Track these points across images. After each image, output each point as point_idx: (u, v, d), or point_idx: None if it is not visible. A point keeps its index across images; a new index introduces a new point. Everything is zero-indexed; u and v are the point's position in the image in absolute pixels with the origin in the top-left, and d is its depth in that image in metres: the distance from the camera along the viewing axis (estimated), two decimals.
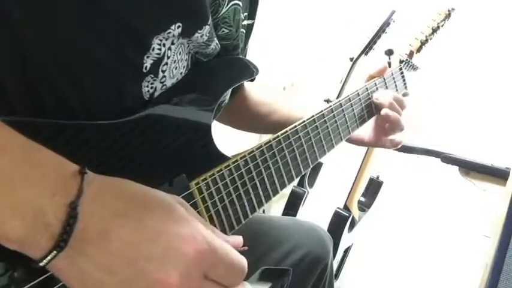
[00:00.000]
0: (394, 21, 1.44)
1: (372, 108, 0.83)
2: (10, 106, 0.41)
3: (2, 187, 0.30)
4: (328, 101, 0.77)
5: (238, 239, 0.43)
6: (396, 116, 0.81)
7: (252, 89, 0.85)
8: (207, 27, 0.50)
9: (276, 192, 0.60)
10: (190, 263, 0.34)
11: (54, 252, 0.32)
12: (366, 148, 1.50)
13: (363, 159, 1.54)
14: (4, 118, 0.35)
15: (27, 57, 0.40)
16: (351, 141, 0.85)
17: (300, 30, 2.01)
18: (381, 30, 1.45)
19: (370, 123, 0.85)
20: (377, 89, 0.85)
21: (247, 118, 0.85)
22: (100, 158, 0.43)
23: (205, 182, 0.50)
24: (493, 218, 0.96)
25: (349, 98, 0.77)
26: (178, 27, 0.46)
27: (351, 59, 1.52)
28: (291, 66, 1.93)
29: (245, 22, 0.64)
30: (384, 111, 0.80)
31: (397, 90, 0.93)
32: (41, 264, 0.32)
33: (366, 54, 1.50)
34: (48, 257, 0.32)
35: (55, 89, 0.42)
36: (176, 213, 0.36)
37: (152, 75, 0.47)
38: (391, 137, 0.87)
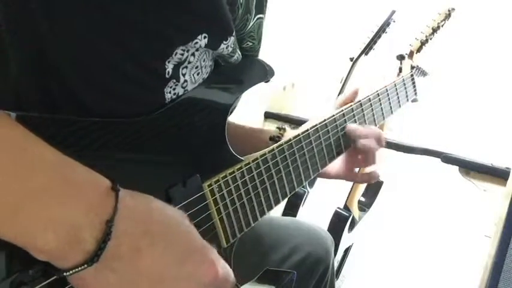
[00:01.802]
0: (394, 21, 1.44)
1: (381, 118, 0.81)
2: (25, 105, 0.41)
3: (37, 203, 0.31)
4: (279, 128, 0.71)
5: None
6: (372, 147, 0.74)
7: None
8: (232, 38, 0.50)
9: (285, 196, 0.60)
10: (210, 284, 0.39)
11: (85, 265, 0.33)
12: None
13: None
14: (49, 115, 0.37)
15: (47, 64, 0.40)
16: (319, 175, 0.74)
17: (300, 30, 2.01)
18: (381, 30, 1.45)
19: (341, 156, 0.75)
20: (388, 95, 0.84)
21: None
22: (121, 155, 0.43)
23: (218, 184, 0.50)
24: (493, 218, 0.96)
25: (361, 103, 0.76)
26: (205, 37, 0.46)
27: (351, 59, 1.53)
28: (291, 66, 1.93)
29: None
30: (360, 142, 0.72)
31: (407, 96, 0.93)
32: (65, 274, 0.33)
33: (366, 54, 1.50)
34: (76, 269, 0.33)
35: (73, 95, 0.42)
36: (198, 240, 0.40)
37: (174, 80, 0.47)
38: (367, 169, 0.80)
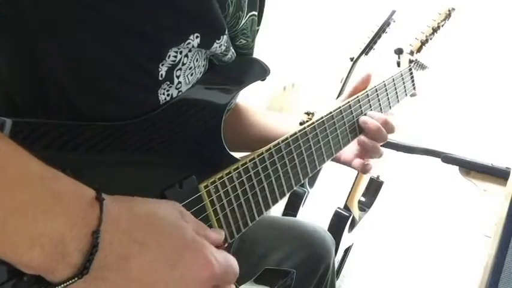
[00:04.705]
0: (394, 21, 1.44)
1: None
2: (17, 107, 0.41)
3: (23, 219, 0.31)
4: (308, 113, 0.74)
5: (221, 235, 0.46)
6: (375, 145, 0.75)
7: (241, 103, 0.81)
8: (225, 37, 0.50)
9: (283, 195, 0.60)
10: (205, 284, 0.39)
11: (75, 279, 0.32)
12: None
13: None
14: (32, 120, 0.36)
15: (40, 67, 0.40)
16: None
17: (300, 30, 2.01)
18: (381, 30, 1.45)
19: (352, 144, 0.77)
20: (386, 89, 0.83)
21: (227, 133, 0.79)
22: (117, 157, 0.43)
23: (214, 184, 0.50)
24: (493, 218, 0.96)
25: (359, 99, 0.75)
26: (197, 37, 0.46)
27: (351, 59, 1.53)
28: (291, 66, 1.93)
29: None
30: (360, 139, 0.75)
31: (405, 90, 0.92)
32: (57, 287, 0.33)
33: (366, 54, 1.50)
34: (67, 283, 0.33)
35: (67, 98, 0.42)
36: (189, 237, 0.39)
37: (168, 82, 0.47)
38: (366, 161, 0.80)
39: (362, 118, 0.74)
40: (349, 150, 0.79)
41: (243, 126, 0.81)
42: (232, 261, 0.42)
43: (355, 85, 0.82)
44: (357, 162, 0.78)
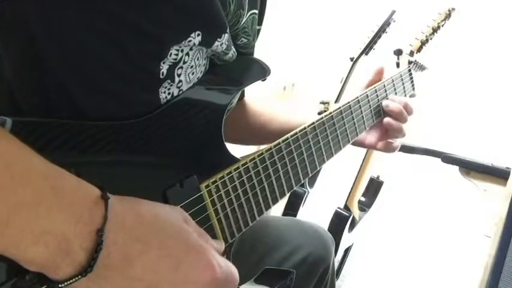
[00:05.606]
0: (394, 21, 1.44)
1: (380, 113, 0.83)
2: (18, 107, 0.41)
3: (27, 216, 0.31)
4: (323, 102, 0.77)
5: (222, 246, 0.47)
6: (399, 125, 0.81)
7: (248, 98, 0.83)
8: (226, 35, 0.50)
9: (283, 195, 0.60)
10: (208, 285, 0.39)
11: (79, 276, 0.33)
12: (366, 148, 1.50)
13: (363, 159, 1.54)
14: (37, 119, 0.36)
15: (41, 66, 0.40)
16: (353, 143, 0.84)
17: (300, 30, 2.01)
18: (381, 30, 1.45)
19: (373, 126, 0.84)
20: (386, 90, 0.84)
21: (243, 129, 0.83)
22: (118, 157, 0.43)
23: (215, 184, 0.50)
24: (493, 218, 0.96)
25: (358, 100, 0.76)
26: (198, 35, 0.46)
27: (351, 59, 1.53)
28: (291, 66, 1.93)
29: None
30: (386, 120, 0.81)
31: (404, 91, 0.92)
32: (60, 285, 0.33)
33: (367, 54, 1.50)
34: (70, 281, 0.33)
35: (68, 97, 0.42)
36: (192, 240, 0.40)
37: (169, 81, 0.47)
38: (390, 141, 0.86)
39: (385, 101, 0.82)
40: (372, 135, 0.85)
41: (260, 124, 0.84)
42: (233, 269, 0.42)
43: (371, 78, 0.85)
44: (381, 144, 0.84)
